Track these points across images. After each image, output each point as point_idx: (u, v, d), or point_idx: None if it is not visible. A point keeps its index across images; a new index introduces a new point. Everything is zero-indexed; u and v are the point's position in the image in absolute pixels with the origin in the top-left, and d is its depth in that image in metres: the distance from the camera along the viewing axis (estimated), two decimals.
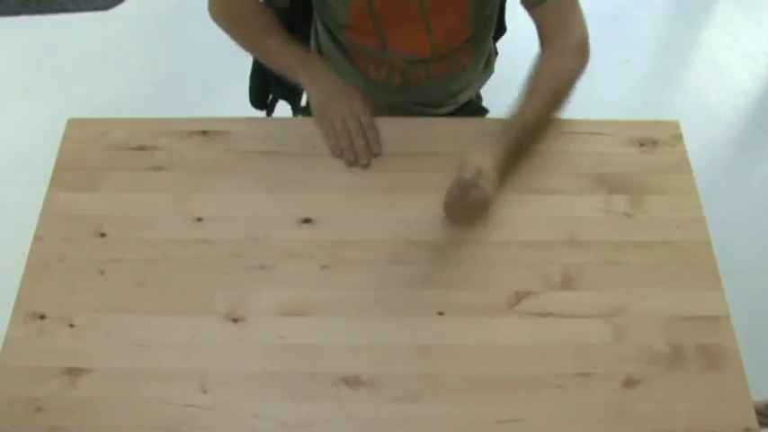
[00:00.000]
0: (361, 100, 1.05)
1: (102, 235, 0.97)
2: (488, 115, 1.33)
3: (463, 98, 1.25)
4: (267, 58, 1.10)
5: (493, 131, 0.98)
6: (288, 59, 1.07)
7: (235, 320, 0.90)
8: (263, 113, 1.31)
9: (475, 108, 1.33)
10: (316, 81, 1.05)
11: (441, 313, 0.91)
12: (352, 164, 1.02)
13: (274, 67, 1.10)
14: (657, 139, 1.06)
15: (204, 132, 1.06)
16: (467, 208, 0.91)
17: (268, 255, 0.95)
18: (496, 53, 1.30)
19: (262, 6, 1.08)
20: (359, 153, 1.01)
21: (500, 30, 1.28)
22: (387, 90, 1.16)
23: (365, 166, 1.02)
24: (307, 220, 0.98)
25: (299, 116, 1.34)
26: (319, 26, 1.17)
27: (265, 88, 1.28)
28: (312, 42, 1.23)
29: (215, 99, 1.99)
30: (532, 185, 1.01)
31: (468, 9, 1.04)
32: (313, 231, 0.97)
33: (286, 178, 1.01)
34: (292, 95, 1.32)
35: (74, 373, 0.87)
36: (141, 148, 1.05)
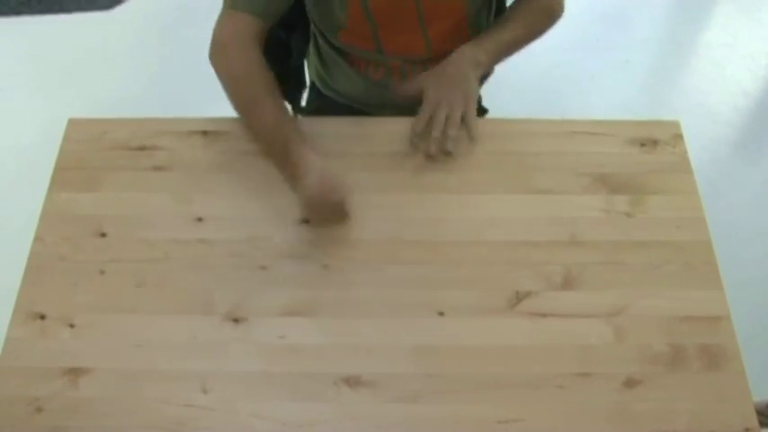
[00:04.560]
0: (342, 200, 0.94)
1: (103, 235, 0.97)
2: (488, 115, 1.33)
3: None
4: (258, 131, 1.01)
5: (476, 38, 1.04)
6: (275, 141, 0.98)
7: (235, 320, 0.90)
8: None
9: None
10: (298, 178, 0.94)
11: (441, 313, 0.91)
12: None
13: (260, 142, 1.02)
14: (658, 139, 1.06)
15: (204, 132, 1.06)
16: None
17: (268, 255, 0.95)
18: None
19: (265, 71, 1.00)
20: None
21: None
22: (385, 88, 1.16)
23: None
24: (307, 220, 0.98)
25: (299, 116, 1.34)
26: (316, 32, 1.17)
27: None
28: (311, 44, 1.23)
29: (215, 99, 1.98)
30: (533, 185, 1.01)
31: (466, 12, 1.05)
32: (313, 231, 0.97)
33: None
34: (292, 95, 1.32)
35: (74, 373, 0.87)
36: (141, 148, 1.05)
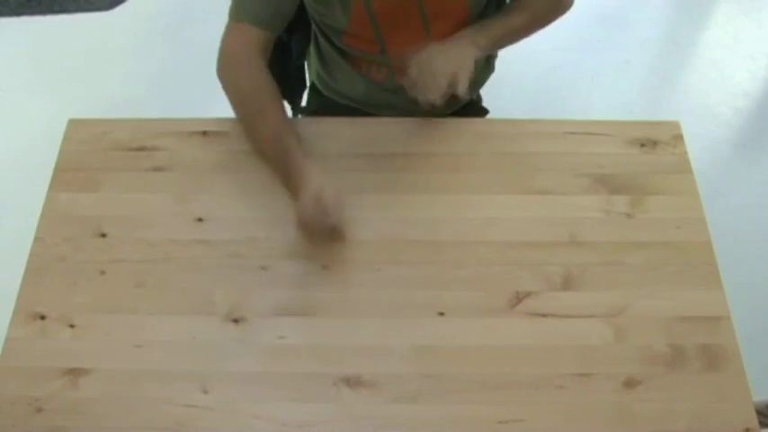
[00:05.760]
0: (333, 224, 0.94)
1: (103, 235, 0.97)
2: (488, 115, 1.33)
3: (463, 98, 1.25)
4: (261, 144, 1.02)
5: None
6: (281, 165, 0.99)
7: (235, 321, 0.90)
8: None
9: (475, 108, 1.33)
10: (295, 197, 0.95)
11: (441, 313, 0.91)
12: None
13: (266, 156, 1.02)
14: (658, 140, 1.06)
15: (204, 132, 1.06)
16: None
17: (268, 255, 0.95)
18: (496, 53, 1.30)
19: (268, 84, 1.01)
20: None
21: None
22: (388, 90, 1.16)
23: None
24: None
25: (299, 116, 1.34)
26: (318, 33, 1.16)
27: None
28: (312, 45, 1.23)
29: (215, 99, 1.98)
30: (533, 186, 1.01)
31: (468, 12, 1.05)
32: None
33: None
34: (293, 96, 1.32)
35: (74, 373, 0.87)
36: (141, 149, 1.05)
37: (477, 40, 1.02)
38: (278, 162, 0.99)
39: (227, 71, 1.03)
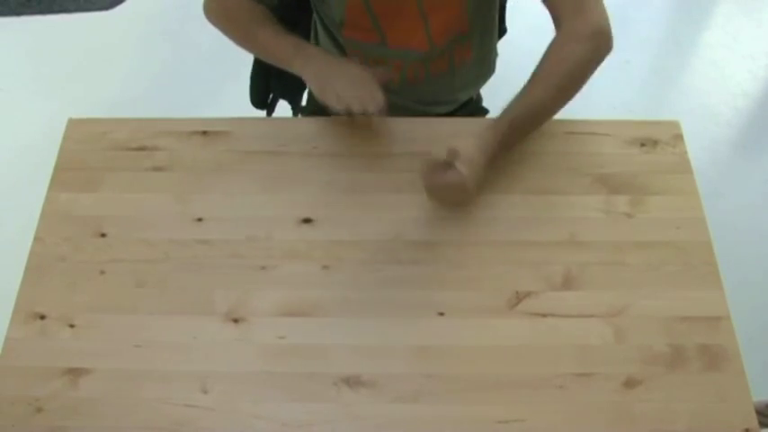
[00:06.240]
0: (358, 66, 1.02)
1: (103, 235, 0.97)
2: (488, 115, 1.33)
3: (463, 97, 1.25)
4: (262, 49, 1.10)
5: (490, 120, 0.99)
6: (282, 47, 1.06)
7: (235, 321, 0.90)
8: (263, 113, 1.31)
9: (475, 108, 1.33)
10: (310, 62, 1.03)
11: (441, 313, 0.91)
12: (362, 112, 0.97)
13: (270, 59, 1.10)
14: (658, 140, 1.06)
15: (204, 132, 1.06)
16: (444, 189, 0.91)
17: (268, 255, 0.95)
18: (496, 53, 1.30)
19: (255, 4, 1.07)
20: (365, 102, 0.97)
21: (500, 30, 1.28)
22: (386, 89, 1.16)
23: (375, 114, 0.97)
24: (307, 220, 0.98)
25: (299, 116, 1.34)
26: (318, 26, 1.17)
27: (266, 88, 1.28)
28: (312, 42, 1.23)
29: (215, 99, 1.99)
30: (533, 186, 1.01)
31: (467, 3, 1.04)
32: (313, 231, 0.97)
33: (286, 178, 1.02)
34: (293, 95, 1.32)
35: (74, 373, 0.87)
36: (141, 149, 1.05)
37: (486, 136, 0.95)
38: (283, 52, 1.05)
39: (212, 5, 1.08)
